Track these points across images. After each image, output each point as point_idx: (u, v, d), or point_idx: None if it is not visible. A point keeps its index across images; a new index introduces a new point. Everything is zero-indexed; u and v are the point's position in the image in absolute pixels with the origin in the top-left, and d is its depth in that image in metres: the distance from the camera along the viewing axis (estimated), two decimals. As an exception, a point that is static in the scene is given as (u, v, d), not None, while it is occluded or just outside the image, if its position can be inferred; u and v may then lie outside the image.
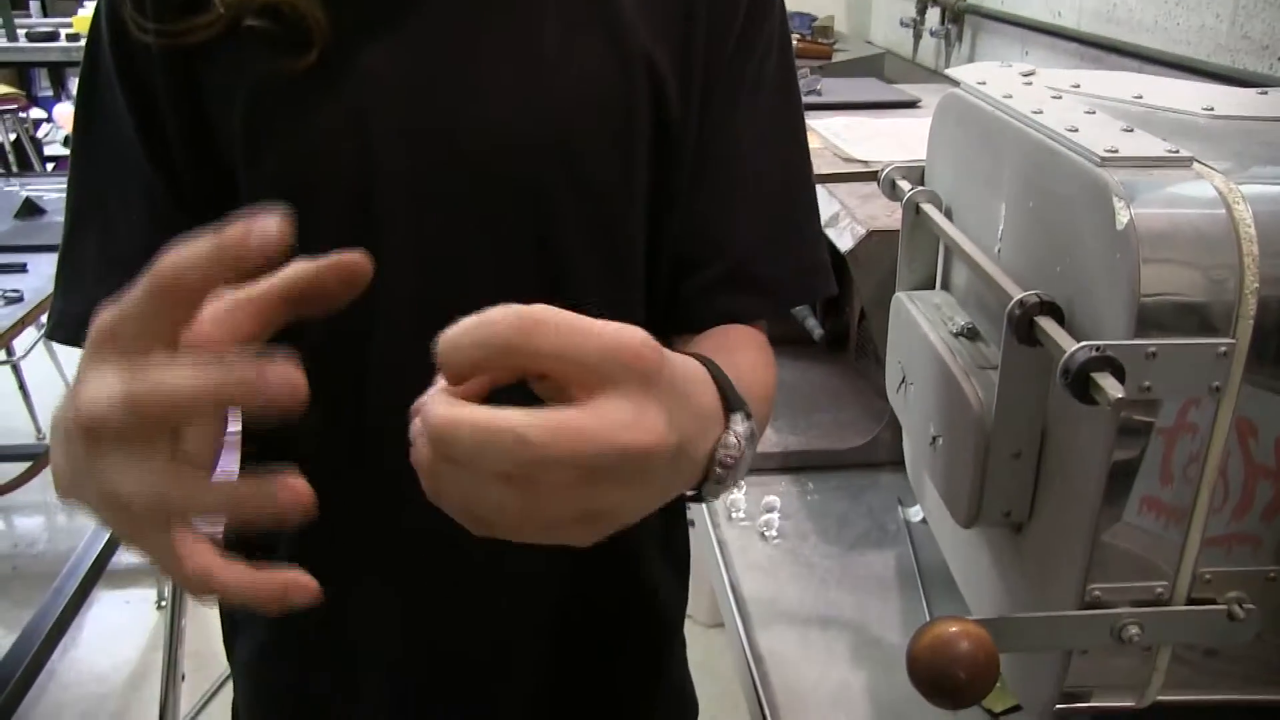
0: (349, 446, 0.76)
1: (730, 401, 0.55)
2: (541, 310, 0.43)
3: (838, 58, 2.62)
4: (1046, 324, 0.71)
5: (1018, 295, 0.74)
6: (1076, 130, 0.77)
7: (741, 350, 0.78)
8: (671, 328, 0.82)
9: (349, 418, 0.75)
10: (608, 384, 0.44)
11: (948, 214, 0.99)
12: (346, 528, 0.75)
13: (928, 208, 1.00)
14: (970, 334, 0.91)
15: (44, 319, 2.67)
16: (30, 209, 2.43)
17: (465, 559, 0.77)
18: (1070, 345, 0.66)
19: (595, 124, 0.75)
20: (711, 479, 0.54)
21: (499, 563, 0.78)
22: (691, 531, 1.00)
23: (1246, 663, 0.82)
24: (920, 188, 1.02)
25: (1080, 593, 0.75)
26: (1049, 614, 0.75)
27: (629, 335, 0.45)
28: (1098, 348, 0.65)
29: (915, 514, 1.25)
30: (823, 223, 1.35)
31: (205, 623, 2.30)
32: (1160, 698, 0.81)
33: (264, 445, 0.62)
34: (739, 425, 0.54)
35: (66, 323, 0.74)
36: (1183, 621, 0.76)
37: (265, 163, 0.71)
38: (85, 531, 2.65)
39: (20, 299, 1.99)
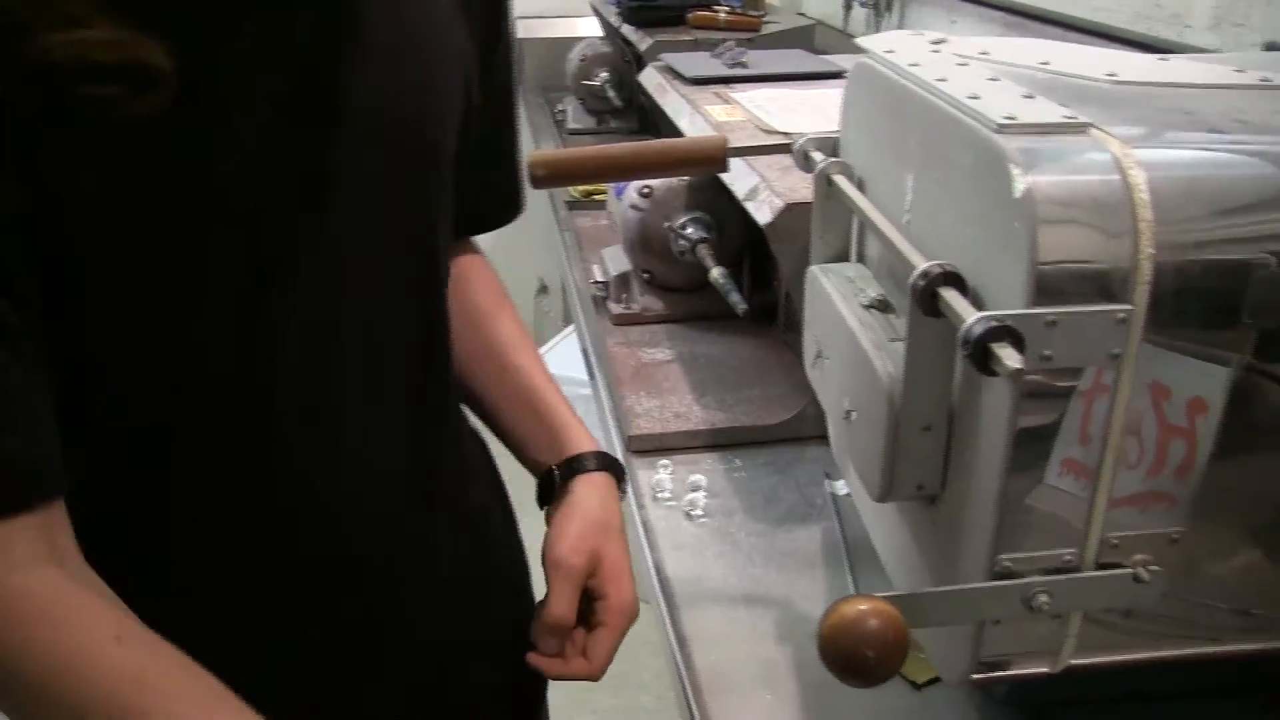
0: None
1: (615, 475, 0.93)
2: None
3: (767, 29, 2.60)
4: (949, 295, 0.71)
5: (921, 266, 0.73)
6: (977, 98, 0.76)
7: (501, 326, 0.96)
8: None
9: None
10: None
11: (860, 185, 0.99)
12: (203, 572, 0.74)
13: (839, 179, 0.99)
14: (882, 306, 0.90)
15: None
16: None
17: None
18: (970, 316, 0.65)
19: (452, 102, 0.77)
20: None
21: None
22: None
23: (1160, 621, 0.83)
24: (832, 159, 1.01)
25: (990, 563, 0.75)
26: (958, 587, 0.75)
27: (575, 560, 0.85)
28: (996, 318, 0.65)
29: (842, 488, 1.25)
30: (742, 196, 1.35)
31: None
32: (1074, 661, 0.81)
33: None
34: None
35: None
36: (1091, 587, 0.76)
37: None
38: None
39: None
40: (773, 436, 1.37)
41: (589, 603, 0.83)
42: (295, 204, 0.67)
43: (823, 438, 1.34)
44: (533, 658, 0.82)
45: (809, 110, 1.66)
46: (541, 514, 0.93)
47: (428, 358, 0.80)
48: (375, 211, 0.72)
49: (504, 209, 0.97)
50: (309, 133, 0.68)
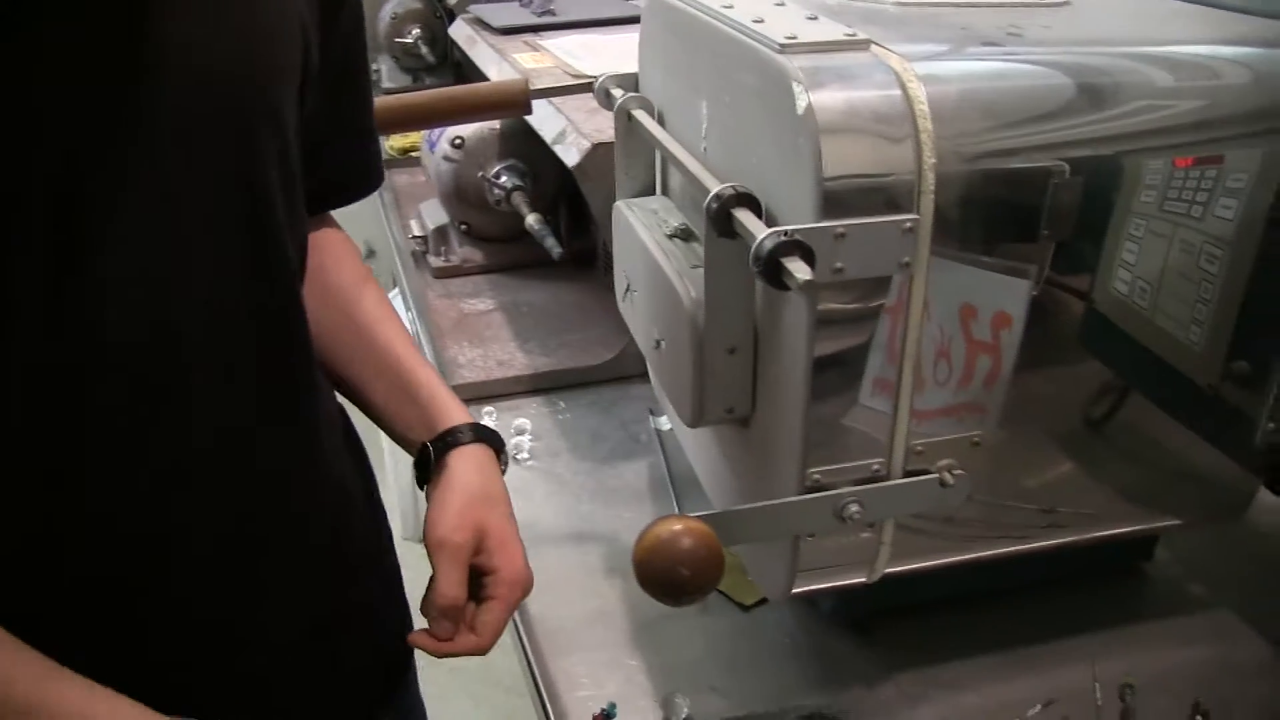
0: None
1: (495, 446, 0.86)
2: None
3: (576, -24, 2.58)
4: (742, 215, 0.71)
5: (715, 189, 0.73)
6: (761, 21, 0.77)
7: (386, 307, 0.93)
8: None
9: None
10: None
11: (659, 119, 0.99)
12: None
13: (639, 114, 0.99)
14: (684, 235, 0.91)
15: None
16: None
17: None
18: (761, 233, 0.66)
19: (288, 59, 0.72)
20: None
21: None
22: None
23: (970, 525, 0.86)
24: (630, 94, 1.01)
25: (800, 478, 0.76)
26: (770, 503, 0.76)
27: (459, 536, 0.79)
28: (786, 233, 0.66)
29: (665, 422, 1.26)
30: (550, 139, 1.33)
31: None
32: (889, 570, 0.84)
33: None
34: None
35: None
36: (899, 494, 0.78)
37: None
38: None
39: None
40: (595, 377, 1.37)
41: (478, 577, 0.80)
42: (106, 147, 0.64)
43: (645, 376, 1.36)
44: (419, 638, 0.79)
45: (616, 53, 1.65)
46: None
47: (273, 321, 0.75)
48: (201, 163, 0.68)
49: (361, 179, 0.93)
50: (114, 77, 0.64)
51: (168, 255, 0.66)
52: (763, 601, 1.00)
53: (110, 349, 0.65)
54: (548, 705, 0.89)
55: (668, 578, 0.69)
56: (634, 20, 2.02)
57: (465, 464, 0.83)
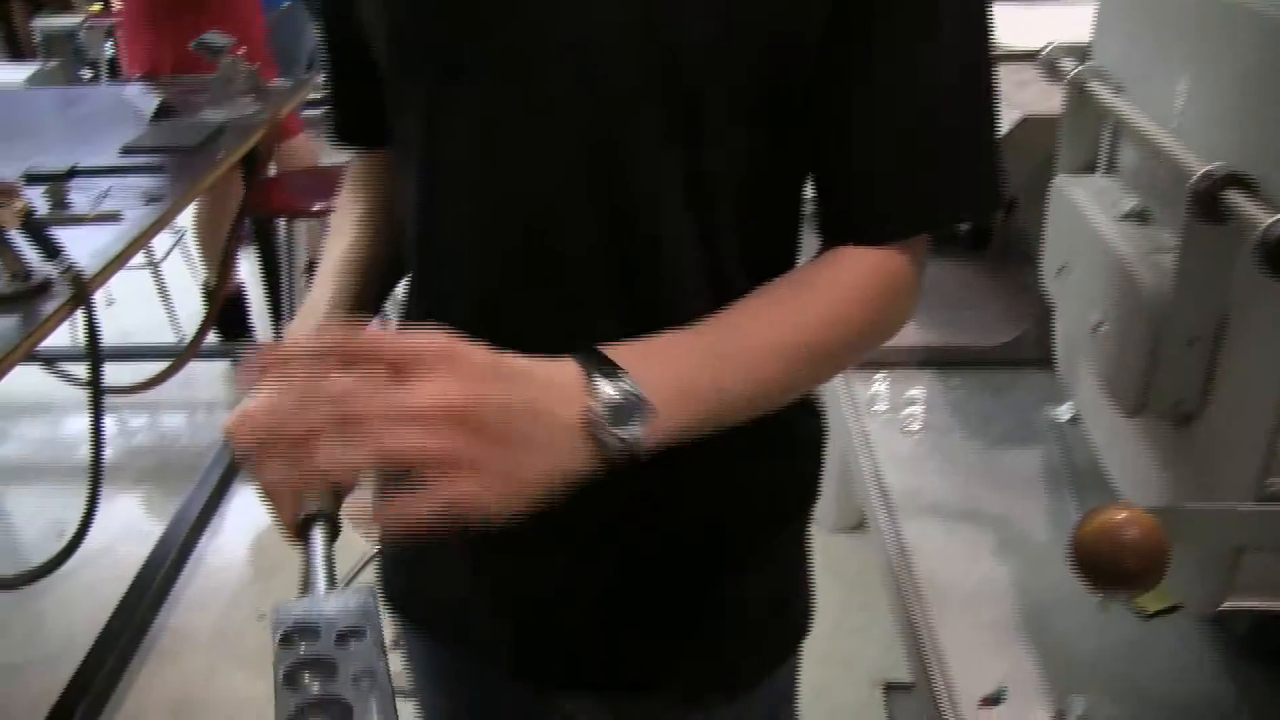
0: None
1: (590, 368, 0.59)
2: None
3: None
4: (1235, 197, 0.67)
5: (1202, 168, 0.69)
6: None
7: (793, 291, 0.70)
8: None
9: None
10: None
11: (1115, 92, 0.94)
12: None
13: (1094, 85, 0.94)
14: (1140, 217, 0.86)
15: (181, 222, 2.71)
16: (165, 111, 2.47)
17: None
18: (1267, 217, 0.61)
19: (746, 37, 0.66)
20: (600, 437, 0.58)
21: None
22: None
23: None
24: (1085, 65, 0.97)
25: (1257, 486, 0.71)
26: (1230, 506, 0.71)
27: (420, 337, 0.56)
28: (1297, 220, 0.61)
29: (1064, 413, 1.21)
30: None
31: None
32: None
33: None
34: (606, 387, 0.58)
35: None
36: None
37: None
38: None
39: (160, 198, 2.02)
40: (989, 359, 1.34)
41: None
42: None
43: (1041, 363, 1.31)
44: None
45: (1039, 26, 1.59)
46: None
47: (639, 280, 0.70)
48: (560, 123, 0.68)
49: (911, 208, 0.71)
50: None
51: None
52: (1169, 610, 0.95)
53: None
54: (934, 677, 0.88)
55: (1110, 566, 0.66)
56: (1051, -5, 1.94)
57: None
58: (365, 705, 0.51)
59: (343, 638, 0.54)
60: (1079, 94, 0.96)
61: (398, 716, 0.52)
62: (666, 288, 0.71)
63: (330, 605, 0.56)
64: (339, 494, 0.65)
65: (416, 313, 0.79)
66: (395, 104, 0.75)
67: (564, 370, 0.59)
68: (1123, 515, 0.67)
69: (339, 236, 0.85)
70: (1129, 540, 0.66)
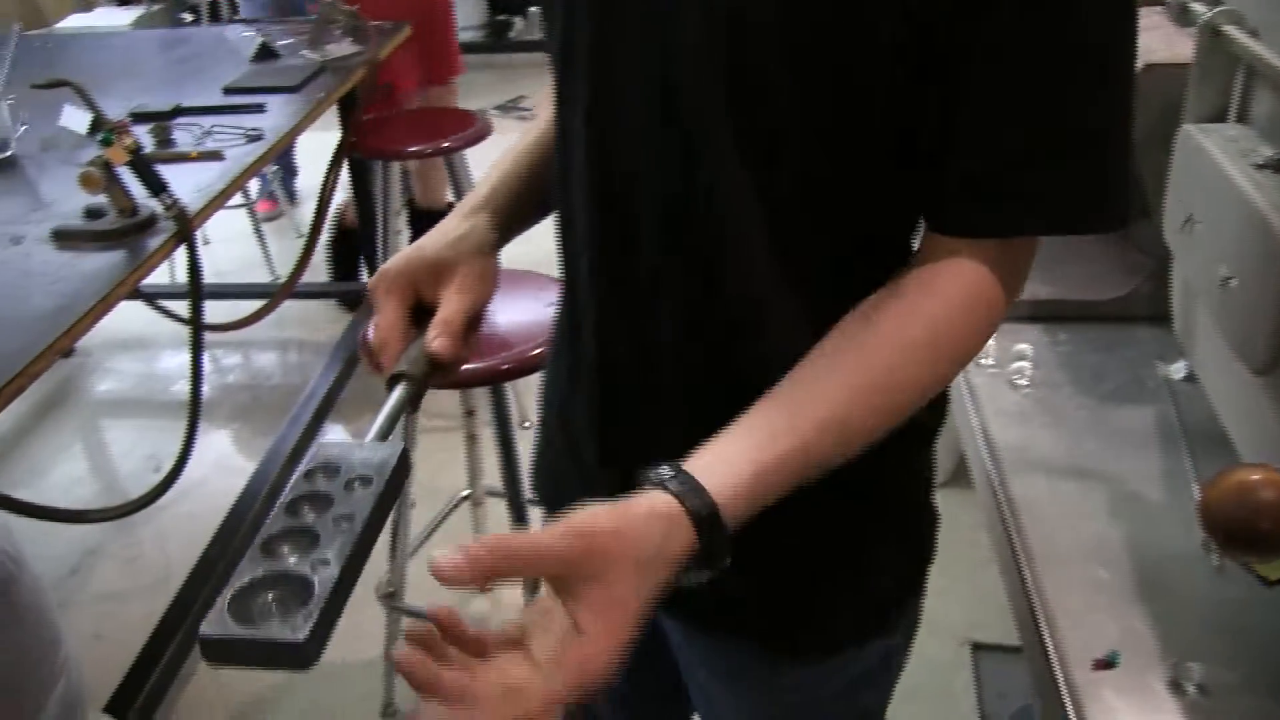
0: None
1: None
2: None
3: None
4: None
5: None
6: None
7: (890, 320, 0.67)
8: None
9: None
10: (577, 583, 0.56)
11: (1252, 37, 0.90)
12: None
13: (1230, 29, 0.91)
14: (1277, 166, 0.83)
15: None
16: (266, 53, 2.48)
17: None
18: None
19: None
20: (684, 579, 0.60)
21: None
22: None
23: None
24: (1221, 8, 0.93)
25: (1400, 449, 0.68)
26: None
27: (573, 542, 0.55)
28: None
29: (1178, 371, 1.18)
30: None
31: (429, 455, 2.39)
32: None
33: None
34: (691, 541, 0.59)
35: None
36: None
37: None
38: (316, 367, 2.78)
39: (260, 137, 2.04)
40: (1099, 314, 1.30)
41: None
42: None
43: (1153, 319, 1.27)
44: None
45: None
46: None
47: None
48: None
49: (1022, 210, 0.65)
50: None
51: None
52: (1289, 577, 0.92)
53: None
54: (1047, 637, 0.86)
55: (1244, 528, 0.64)
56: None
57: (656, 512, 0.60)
58: (330, 540, 0.55)
59: (352, 483, 0.59)
60: (1213, 38, 0.93)
61: (361, 559, 0.56)
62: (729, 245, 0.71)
63: (363, 452, 0.62)
64: (435, 364, 0.72)
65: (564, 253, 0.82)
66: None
67: (659, 533, 0.58)
68: (1258, 476, 0.65)
69: (535, 124, 0.88)
70: (1264, 502, 0.64)
